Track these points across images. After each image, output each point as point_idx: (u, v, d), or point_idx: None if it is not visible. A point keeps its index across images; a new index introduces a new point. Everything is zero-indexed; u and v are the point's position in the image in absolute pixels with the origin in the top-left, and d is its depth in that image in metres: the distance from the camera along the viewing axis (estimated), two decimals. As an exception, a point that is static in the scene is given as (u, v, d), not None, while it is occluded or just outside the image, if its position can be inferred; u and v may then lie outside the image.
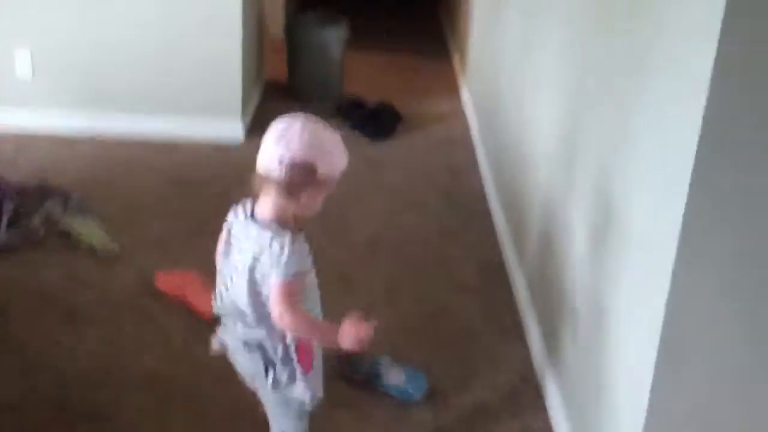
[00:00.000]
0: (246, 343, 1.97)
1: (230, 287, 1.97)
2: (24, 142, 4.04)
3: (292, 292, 1.84)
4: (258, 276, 1.87)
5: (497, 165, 3.68)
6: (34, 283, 2.94)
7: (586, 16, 2.36)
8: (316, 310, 1.99)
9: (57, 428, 2.30)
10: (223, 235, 2.02)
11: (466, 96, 4.94)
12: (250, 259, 1.87)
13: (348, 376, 2.52)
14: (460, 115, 4.80)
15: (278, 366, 1.93)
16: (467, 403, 2.47)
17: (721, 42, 1.41)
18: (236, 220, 1.97)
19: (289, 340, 1.92)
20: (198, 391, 2.46)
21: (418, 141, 4.35)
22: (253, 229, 1.89)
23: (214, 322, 2.74)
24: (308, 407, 2.01)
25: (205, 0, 4.02)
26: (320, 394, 2.00)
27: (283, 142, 1.83)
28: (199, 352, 2.63)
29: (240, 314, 1.95)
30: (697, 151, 1.48)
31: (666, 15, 1.69)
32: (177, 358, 2.60)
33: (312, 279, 1.96)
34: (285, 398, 1.99)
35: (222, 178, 3.81)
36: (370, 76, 5.28)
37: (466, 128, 4.58)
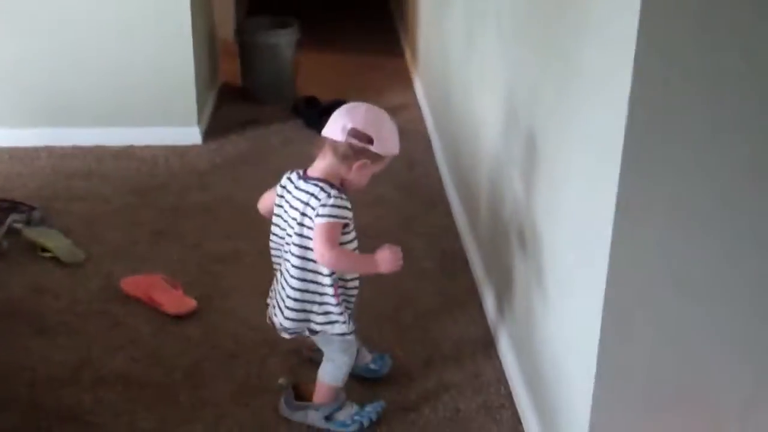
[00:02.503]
0: (288, 296, 2.23)
1: (281, 242, 2.26)
2: (-18, 158, 4.06)
3: (333, 233, 2.15)
4: (306, 225, 2.16)
5: (452, 155, 3.77)
6: (1, 294, 2.97)
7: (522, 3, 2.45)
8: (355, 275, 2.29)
9: (30, 430, 2.34)
10: (273, 195, 2.29)
11: (419, 89, 5.02)
12: (300, 212, 2.17)
13: (315, 358, 2.59)
14: (415, 108, 4.88)
15: (316, 309, 2.22)
16: (431, 382, 2.55)
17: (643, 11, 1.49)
18: (288, 182, 2.24)
19: (328, 281, 2.19)
20: (169, 389, 2.52)
21: (374, 135, 4.41)
22: (303, 185, 2.19)
23: (181, 320, 2.82)
24: (349, 340, 2.28)
25: (154, 8, 4.05)
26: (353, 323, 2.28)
27: (349, 115, 2.16)
28: (169, 351, 2.69)
29: (286, 266, 2.23)
30: (628, 121, 1.57)
31: (593, -3, 1.78)
32: (147, 358, 2.65)
33: (353, 245, 2.25)
34: (327, 337, 2.27)
35: (181, 181, 3.86)
36: (324, 76, 5.34)
37: (420, 120, 4.66)
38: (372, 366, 2.55)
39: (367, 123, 2.14)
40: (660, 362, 1.78)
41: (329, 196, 2.14)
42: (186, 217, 3.53)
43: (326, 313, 2.23)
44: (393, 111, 5.08)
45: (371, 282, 2.96)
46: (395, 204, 3.72)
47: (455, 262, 3.24)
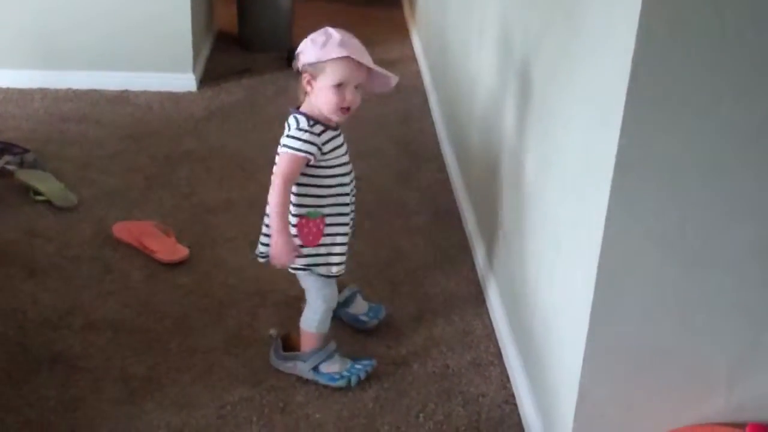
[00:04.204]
0: (264, 223, 2.27)
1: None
2: (-26, 98, 4.03)
3: (287, 165, 2.13)
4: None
5: (448, 110, 3.75)
6: (-7, 237, 2.97)
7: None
8: (343, 215, 2.27)
9: (20, 372, 2.35)
10: None
11: (416, 42, 4.98)
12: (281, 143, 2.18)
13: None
14: (412, 61, 4.85)
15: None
16: (421, 337, 2.56)
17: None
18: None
19: (291, 215, 2.19)
20: (160, 336, 2.52)
21: (370, 88, 4.39)
22: (290, 117, 2.20)
23: (173, 268, 2.82)
24: (320, 281, 2.28)
25: (152, -48, 4.01)
26: (336, 268, 2.28)
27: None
28: (160, 297, 2.70)
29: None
30: (630, 82, 1.55)
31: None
32: (138, 304, 2.65)
33: (338, 181, 2.23)
34: (300, 275, 2.29)
35: (176, 128, 3.85)
36: (320, 26, 5.28)
37: (417, 75, 4.63)
38: (362, 317, 2.56)
39: (303, 42, 2.17)
40: (651, 324, 1.79)
41: (296, 127, 2.15)
42: (179, 165, 3.51)
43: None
44: (390, 64, 5.06)
45: (364, 236, 2.97)
46: (390, 157, 3.70)
47: (448, 217, 3.24)
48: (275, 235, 2.18)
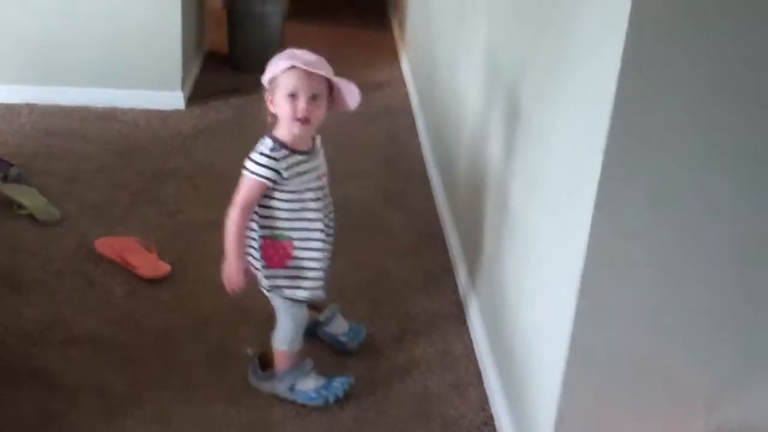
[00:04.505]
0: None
1: None
2: (-38, 112, 4.02)
3: (245, 190, 2.16)
4: None
5: (435, 132, 3.76)
6: (-25, 250, 2.96)
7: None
8: (314, 240, 2.25)
9: (0, 387, 2.34)
10: None
11: (405, 65, 5.01)
12: None
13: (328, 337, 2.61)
14: (400, 83, 4.87)
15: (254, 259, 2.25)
16: (401, 357, 2.56)
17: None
18: None
19: (255, 237, 2.22)
20: (140, 352, 2.52)
21: (359, 109, 4.36)
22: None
23: (155, 284, 2.82)
24: (285, 301, 2.28)
25: (143, -29, 4.03)
26: (307, 292, 2.28)
27: None
28: (141, 313, 2.69)
29: None
30: (615, 102, 1.56)
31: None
32: (119, 320, 2.64)
33: (305, 206, 2.22)
34: (269, 294, 2.30)
35: (163, 145, 3.85)
36: (310, 48, 5.28)
37: (405, 96, 4.65)
38: (342, 338, 2.56)
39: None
40: (632, 347, 1.79)
41: (258, 151, 2.17)
42: (165, 182, 3.51)
43: (256, 269, 2.27)
44: (379, 87, 5.06)
45: (347, 255, 2.97)
46: (377, 178, 3.71)
47: (433, 239, 3.24)
48: (228, 258, 2.20)
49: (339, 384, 2.36)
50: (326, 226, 2.28)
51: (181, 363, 2.48)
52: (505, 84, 2.45)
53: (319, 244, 2.26)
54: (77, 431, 2.21)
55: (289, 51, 2.18)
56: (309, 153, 2.22)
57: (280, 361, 2.36)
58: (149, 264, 2.88)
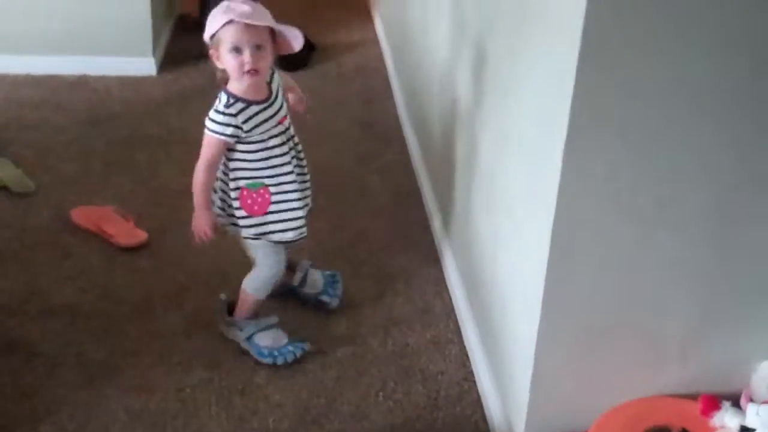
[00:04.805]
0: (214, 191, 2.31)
1: None
2: (-70, 85, 3.97)
3: (208, 148, 2.19)
4: None
5: (410, 91, 3.74)
6: (-51, 224, 2.93)
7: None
8: (289, 182, 2.27)
9: (-23, 360, 2.34)
10: None
11: (378, 24, 4.96)
12: None
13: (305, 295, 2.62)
14: (374, 44, 4.83)
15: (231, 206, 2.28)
16: (381, 317, 2.57)
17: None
18: None
19: (232, 187, 2.24)
20: (118, 320, 2.51)
21: (332, 70, 4.38)
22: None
23: (132, 252, 2.81)
24: (262, 245, 2.31)
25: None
26: (295, 233, 2.30)
27: None
28: (119, 283, 2.68)
29: None
30: (581, 50, 1.55)
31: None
32: (96, 289, 2.64)
33: (271, 153, 2.23)
34: (244, 241, 2.33)
35: (135, 113, 3.81)
36: (282, 9, 5.22)
37: (379, 56, 4.61)
38: (323, 298, 2.57)
39: None
40: (604, 290, 1.80)
41: (215, 108, 2.18)
42: (139, 149, 3.49)
43: (230, 215, 2.29)
44: (352, 47, 5.01)
45: (325, 217, 2.97)
46: (352, 140, 3.70)
47: (409, 198, 3.24)
48: (196, 210, 2.24)
49: (293, 348, 2.37)
50: (297, 166, 2.31)
51: (160, 330, 2.48)
52: (473, 40, 2.43)
53: (294, 186, 2.28)
54: (57, 401, 2.21)
55: (224, 3, 2.15)
56: (266, 101, 2.22)
57: (243, 304, 2.39)
58: (126, 232, 2.86)
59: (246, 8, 2.13)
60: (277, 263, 2.35)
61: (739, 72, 1.59)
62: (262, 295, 2.38)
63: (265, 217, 2.27)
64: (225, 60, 2.15)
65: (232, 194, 2.24)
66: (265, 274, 2.35)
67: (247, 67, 2.12)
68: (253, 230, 2.28)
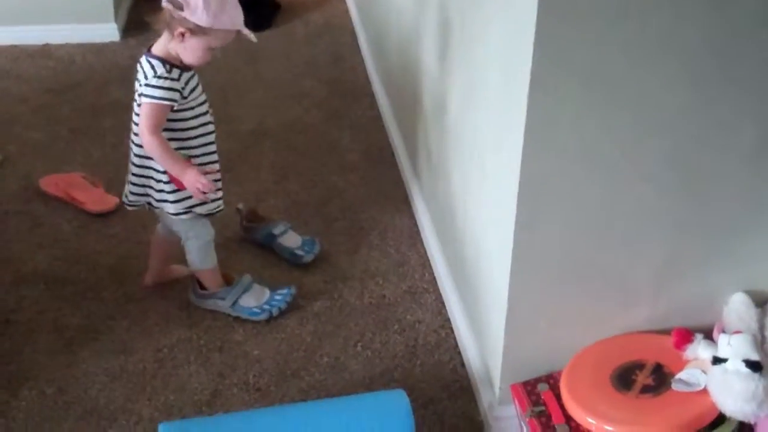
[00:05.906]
0: (131, 171, 2.26)
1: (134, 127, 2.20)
2: None
3: (154, 116, 2.10)
4: (140, 104, 2.12)
5: (377, 47, 3.72)
6: None
7: None
8: (213, 153, 2.25)
9: (-48, 331, 2.32)
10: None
11: (343, -18, 4.92)
12: (138, 92, 2.12)
13: (250, 238, 2.66)
14: (339, 1, 4.79)
15: (153, 185, 2.23)
16: (357, 270, 2.58)
17: None
18: (139, 61, 2.15)
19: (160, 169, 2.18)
20: (93, 285, 2.50)
21: (298, 29, 4.35)
22: (143, 61, 2.13)
23: (104, 218, 2.79)
24: (187, 220, 2.26)
25: None
26: (220, 202, 2.29)
27: None
28: (92, 248, 2.67)
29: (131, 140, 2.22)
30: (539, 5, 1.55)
31: None
32: (70, 256, 2.62)
33: (202, 121, 2.19)
34: (169, 218, 2.27)
35: (99, 79, 3.77)
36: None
37: (345, 13, 4.57)
38: (298, 252, 2.57)
39: None
40: (574, 237, 1.81)
41: (154, 75, 2.08)
42: (105, 116, 3.45)
43: (160, 191, 2.23)
44: (318, 4, 4.95)
45: (297, 176, 2.97)
46: (321, 98, 3.67)
47: (381, 153, 3.23)
48: (177, 174, 2.15)
49: (281, 297, 2.38)
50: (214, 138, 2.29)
51: (136, 293, 2.48)
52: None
53: (216, 156, 2.27)
54: (35, 366, 2.21)
55: (235, 3, 2.08)
56: (191, 69, 2.17)
57: (208, 280, 2.38)
58: (96, 198, 2.85)
59: (243, 15, 2.10)
60: (204, 227, 2.32)
61: (702, 16, 1.59)
62: (210, 263, 2.37)
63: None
64: (193, 47, 2.07)
65: (161, 169, 2.18)
66: (199, 243, 2.33)
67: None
68: (180, 205, 2.23)
